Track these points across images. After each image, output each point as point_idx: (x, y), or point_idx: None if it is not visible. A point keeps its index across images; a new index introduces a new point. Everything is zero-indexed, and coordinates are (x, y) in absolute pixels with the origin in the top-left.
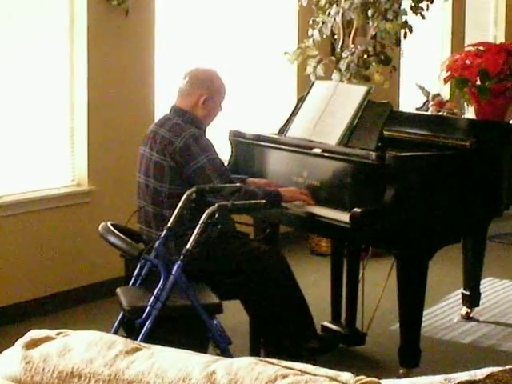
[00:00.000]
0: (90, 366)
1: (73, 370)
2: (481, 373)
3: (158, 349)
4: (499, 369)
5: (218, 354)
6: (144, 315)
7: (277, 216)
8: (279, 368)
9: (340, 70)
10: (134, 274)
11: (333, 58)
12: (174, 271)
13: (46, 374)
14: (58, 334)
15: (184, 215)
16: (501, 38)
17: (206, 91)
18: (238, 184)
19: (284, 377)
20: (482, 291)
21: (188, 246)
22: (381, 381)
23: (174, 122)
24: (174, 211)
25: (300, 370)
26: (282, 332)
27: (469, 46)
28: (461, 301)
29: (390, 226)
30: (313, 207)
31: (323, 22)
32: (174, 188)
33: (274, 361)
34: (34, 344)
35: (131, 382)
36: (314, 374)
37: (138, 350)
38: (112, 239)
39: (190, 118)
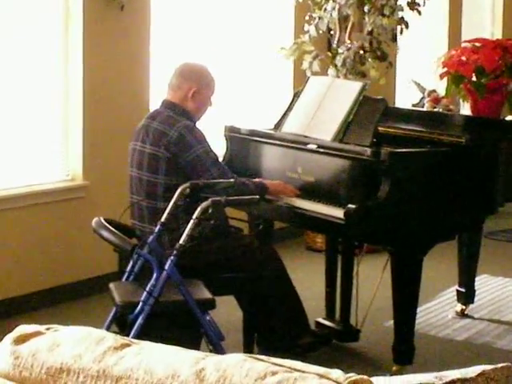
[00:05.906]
0: (78, 361)
1: (61, 366)
2: (472, 371)
3: (147, 345)
4: (491, 367)
5: (210, 350)
6: (137, 311)
7: (271, 212)
8: (269, 365)
9: (336, 65)
10: (127, 269)
11: (329, 54)
12: (167, 266)
13: (35, 369)
14: (47, 330)
15: (178, 210)
16: (498, 36)
17: (195, 84)
18: (231, 180)
19: (273, 374)
20: (476, 288)
21: (181, 241)
22: (372, 378)
23: (166, 114)
24: (168, 204)
25: (290, 367)
26: (275, 328)
27: (465, 42)
28: (455, 298)
29: (385, 222)
30: (309, 203)
31: (319, 18)
32: (170, 179)
33: (264, 358)
34: (23, 339)
35: (120, 377)
36: (304, 371)
37: (127, 345)
38: (105, 234)
39: (180, 110)
